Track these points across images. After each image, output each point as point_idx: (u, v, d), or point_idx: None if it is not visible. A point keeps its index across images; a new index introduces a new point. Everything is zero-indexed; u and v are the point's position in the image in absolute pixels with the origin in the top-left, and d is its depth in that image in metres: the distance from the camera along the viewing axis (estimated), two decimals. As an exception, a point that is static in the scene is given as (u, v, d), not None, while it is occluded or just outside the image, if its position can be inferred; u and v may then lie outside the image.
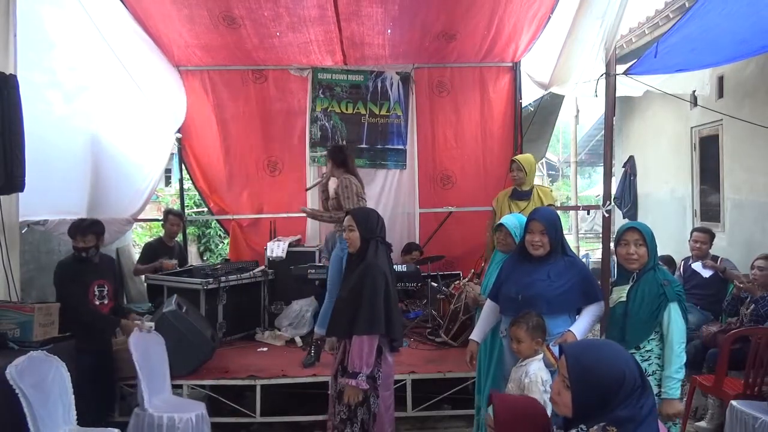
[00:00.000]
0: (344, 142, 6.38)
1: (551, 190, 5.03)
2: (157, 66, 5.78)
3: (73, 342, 3.53)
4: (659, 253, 6.60)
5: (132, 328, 3.78)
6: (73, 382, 3.21)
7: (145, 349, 3.74)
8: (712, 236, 5.21)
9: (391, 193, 6.43)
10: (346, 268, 3.28)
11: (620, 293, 2.91)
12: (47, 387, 3.04)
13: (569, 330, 2.89)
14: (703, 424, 4.13)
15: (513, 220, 3.43)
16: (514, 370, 2.92)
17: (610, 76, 4.16)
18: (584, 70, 4.54)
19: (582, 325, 2.92)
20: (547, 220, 2.96)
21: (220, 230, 7.92)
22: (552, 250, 2.97)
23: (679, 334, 2.70)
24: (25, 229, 4.08)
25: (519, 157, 4.75)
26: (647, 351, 2.77)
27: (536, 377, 2.71)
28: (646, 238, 2.83)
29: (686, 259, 5.30)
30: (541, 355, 2.81)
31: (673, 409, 2.67)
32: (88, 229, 3.87)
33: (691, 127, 6.65)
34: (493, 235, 3.65)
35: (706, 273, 5.02)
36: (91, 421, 3.32)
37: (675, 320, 2.71)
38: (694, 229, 5.51)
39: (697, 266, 5.10)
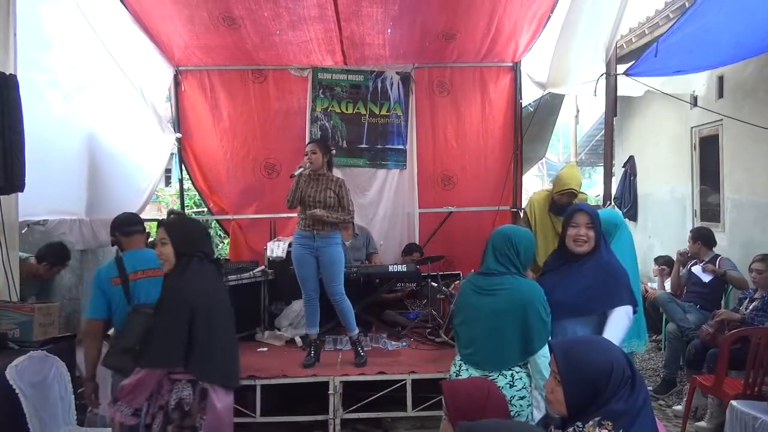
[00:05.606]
0: (344, 143, 6.39)
1: (587, 198, 4.92)
2: (154, 66, 5.78)
3: (74, 342, 3.52)
4: (661, 253, 6.51)
5: None
6: None
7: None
8: (706, 235, 5.20)
9: (391, 193, 6.42)
10: None
11: None
12: (47, 387, 3.04)
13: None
14: (703, 424, 4.13)
15: None
16: None
17: (610, 76, 4.16)
18: (583, 70, 4.53)
19: (611, 334, 2.49)
20: (593, 213, 2.74)
21: (220, 230, 7.91)
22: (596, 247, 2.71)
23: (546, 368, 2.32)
24: (25, 229, 4.07)
25: (574, 184, 4.17)
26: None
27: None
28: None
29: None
30: None
31: None
32: None
33: (691, 127, 6.64)
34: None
35: (706, 277, 5.01)
36: None
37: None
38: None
39: (696, 270, 5.10)
